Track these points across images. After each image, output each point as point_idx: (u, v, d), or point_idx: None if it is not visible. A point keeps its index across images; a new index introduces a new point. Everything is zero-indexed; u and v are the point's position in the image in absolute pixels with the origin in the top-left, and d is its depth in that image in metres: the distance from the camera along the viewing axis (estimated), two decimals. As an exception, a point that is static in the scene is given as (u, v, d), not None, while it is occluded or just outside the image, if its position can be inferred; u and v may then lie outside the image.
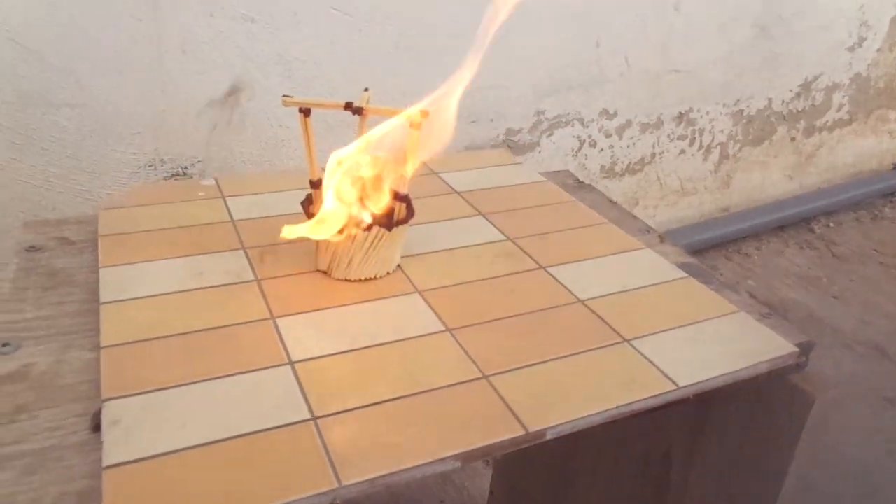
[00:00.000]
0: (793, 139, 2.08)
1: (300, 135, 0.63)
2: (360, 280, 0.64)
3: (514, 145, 1.56)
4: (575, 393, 0.53)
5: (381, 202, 0.62)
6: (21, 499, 0.43)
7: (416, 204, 0.65)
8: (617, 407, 0.52)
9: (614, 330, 0.60)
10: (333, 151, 0.69)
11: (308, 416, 0.48)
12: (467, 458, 0.47)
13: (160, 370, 0.51)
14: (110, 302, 0.58)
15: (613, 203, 0.86)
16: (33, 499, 0.43)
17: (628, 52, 1.62)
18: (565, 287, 0.66)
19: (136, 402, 0.48)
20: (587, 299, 0.64)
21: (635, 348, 0.58)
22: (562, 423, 0.50)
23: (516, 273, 0.68)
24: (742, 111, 1.89)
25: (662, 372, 0.55)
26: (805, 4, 1.85)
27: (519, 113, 1.54)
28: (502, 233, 0.74)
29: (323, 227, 0.61)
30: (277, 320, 0.58)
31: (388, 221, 0.63)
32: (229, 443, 0.46)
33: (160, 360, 0.52)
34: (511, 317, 0.61)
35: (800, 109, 2.04)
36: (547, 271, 0.68)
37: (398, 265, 0.67)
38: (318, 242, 0.63)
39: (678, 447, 0.72)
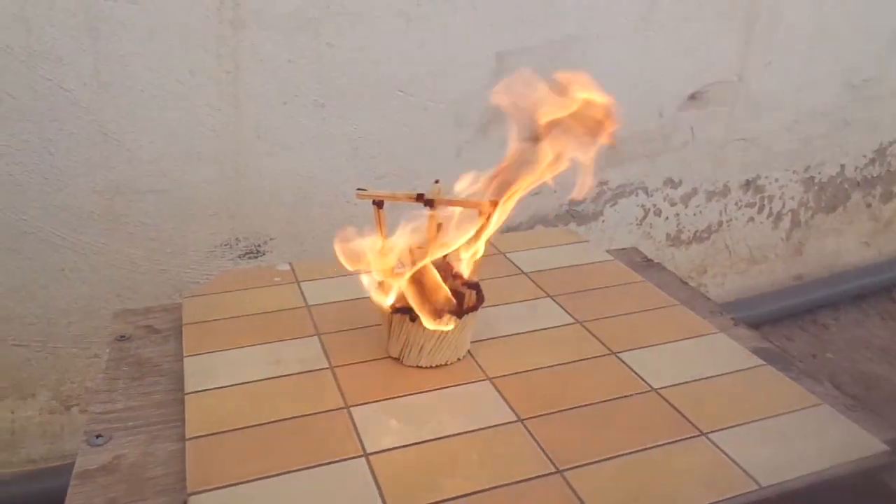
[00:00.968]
0: (868, 205, 2.02)
1: (369, 211, 0.65)
2: (432, 367, 0.65)
3: (577, 215, 1.56)
4: (654, 492, 0.52)
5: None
6: None
7: (483, 285, 0.66)
8: (698, 507, 0.50)
9: (690, 422, 0.59)
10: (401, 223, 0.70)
11: (384, 513, 0.48)
12: (544, 559, 0.46)
13: (241, 463, 0.52)
14: (194, 392, 0.60)
15: (684, 283, 0.85)
16: None
17: (693, 122, 1.62)
18: (637, 374, 0.65)
19: (217, 497, 0.49)
20: (660, 388, 0.63)
21: (713, 443, 0.56)
22: (640, 524, 0.49)
23: (586, 359, 0.67)
24: (813, 178, 1.86)
25: (744, 470, 0.53)
26: (877, 70, 1.83)
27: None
28: (571, 315, 0.74)
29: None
30: (351, 409, 0.59)
31: (458, 309, 0.64)
32: (308, 540, 0.46)
33: (241, 453, 0.53)
34: (583, 406, 0.60)
35: (875, 175, 1.98)
36: (618, 357, 0.68)
37: (468, 350, 0.67)
38: (389, 329, 0.65)
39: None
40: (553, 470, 0.53)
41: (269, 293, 0.76)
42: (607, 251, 0.89)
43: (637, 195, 1.62)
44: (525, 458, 0.54)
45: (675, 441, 0.56)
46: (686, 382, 0.64)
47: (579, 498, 0.51)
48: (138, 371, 0.65)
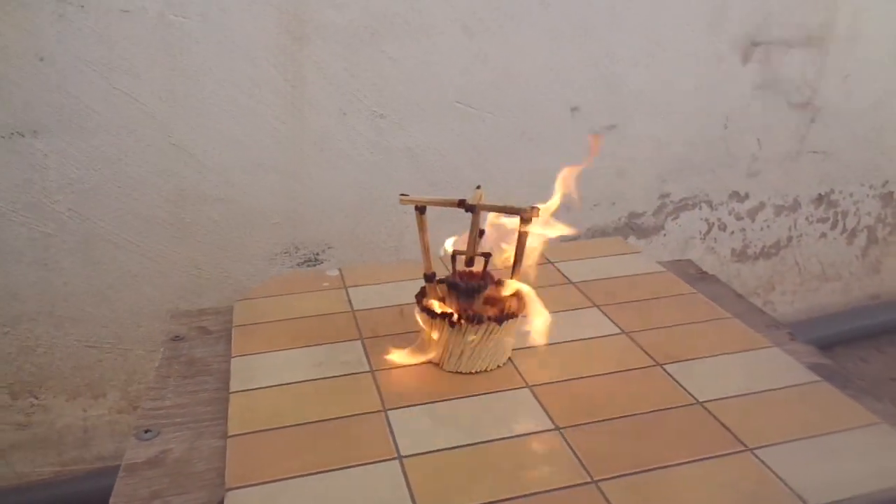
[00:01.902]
0: (952, 221, 1.90)
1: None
2: (471, 373, 0.65)
3: (637, 228, 1.54)
4: (691, 505, 0.50)
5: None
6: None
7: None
8: (740, 525, 0.49)
9: (736, 437, 0.56)
10: (447, 240, 0.72)
11: (413, 515, 0.49)
12: (573, 569, 0.45)
13: (278, 461, 0.54)
14: (238, 391, 0.62)
15: (739, 296, 0.82)
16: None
17: (760, 133, 1.57)
18: (682, 387, 0.63)
19: (254, 493, 0.51)
20: (706, 401, 0.61)
21: (759, 458, 0.54)
22: (676, 538, 0.47)
23: (630, 370, 0.66)
24: (892, 193, 1.77)
25: (790, 488, 0.51)
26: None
27: (642, 196, 1.52)
28: (617, 326, 0.73)
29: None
30: (389, 413, 0.59)
31: (499, 315, 0.63)
32: (337, 538, 0.47)
33: (279, 451, 0.55)
34: (623, 417, 0.59)
35: (959, 189, 1.87)
36: (663, 369, 0.66)
37: (510, 358, 0.67)
38: (430, 334, 0.65)
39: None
40: (588, 480, 0.52)
41: (317, 297, 0.78)
42: (659, 262, 0.87)
43: (700, 208, 1.58)
44: (560, 466, 0.53)
45: (719, 456, 0.55)
46: (734, 396, 0.62)
47: (613, 509, 0.49)
48: (189, 370, 0.67)
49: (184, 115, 1.18)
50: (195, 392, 0.64)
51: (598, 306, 0.77)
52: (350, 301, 0.77)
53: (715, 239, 1.62)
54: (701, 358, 0.67)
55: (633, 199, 1.51)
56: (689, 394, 0.62)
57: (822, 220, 1.72)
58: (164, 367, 0.67)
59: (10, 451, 1.26)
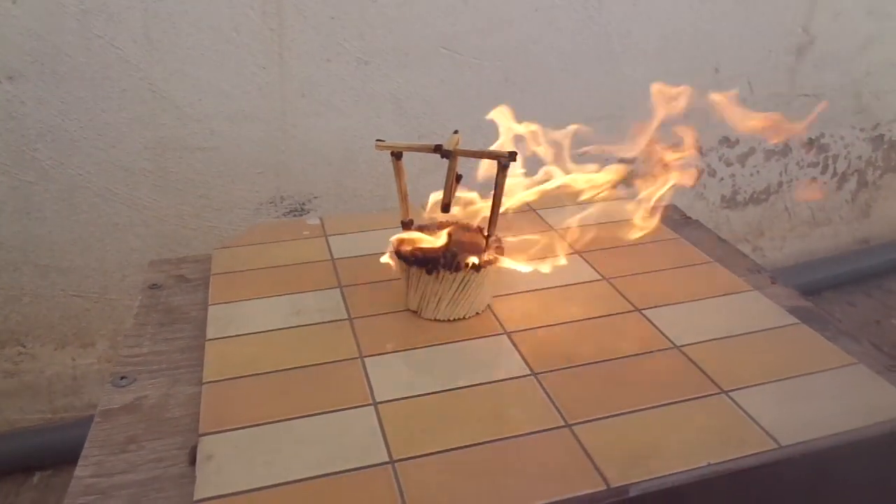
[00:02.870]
0: (945, 164, 1.89)
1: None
2: (449, 320, 0.65)
3: (627, 175, 1.52)
4: (664, 448, 0.50)
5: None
6: (123, 526, 0.46)
7: (509, 242, 0.65)
8: (709, 465, 0.49)
9: (712, 380, 0.57)
10: (432, 193, 0.71)
11: (387, 460, 0.49)
12: (544, 511, 0.46)
13: (253, 407, 0.54)
14: (215, 339, 0.62)
15: (722, 241, 0.82)
16: (134, 526, 0.46)
17: (751, 77, 1.54)
18: (661, 331, 0.63)
19: (228, 438, 0.51)
20: (683, 345, 0.61)
21: (734, 401, 0.54)
22: (647, 480, 0.48)
23: (609, 315, 0.66)
24: (883, 136, 1.75)
25: (763, 428, 0.52)
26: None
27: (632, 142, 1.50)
28: (597, 272, 0.73)
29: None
30: (365, 359, 0.59)
31: (477, 264, 0.63)
32: (311, 483, 0.47)
33: (254, 397, 0.55)
34: (600, 362, 0.59)
35: (952, 132, 1.85)
36: (642, 313, 0.66)
37: (489, 305, 0.67)
38: (408, 282, 0.65)
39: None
40: (562, 424, 0.52)
41: (297, 246, 0.77)
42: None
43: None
44: (534, 411, 0.54)
45: (693, 398, 0.55)
46: (712, 340, 0.62)
47: (586, 452, 0.50)
48: (167, 318, 0.67)
49: (161, 60, 1.15)
50: (172, 339, 0.64)
51: (578, 253, 0.76)
52: (330, 249, 0.77)
53: (704, 185, 1.61)
54: (680, 303, 0.67)
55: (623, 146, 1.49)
56: (667, 338, 0.62)
57: (813, 165, 1.71)
58: (142, 315, 0.67)
59: (-1, 398, 1.27)
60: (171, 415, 0.55)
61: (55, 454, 1.25)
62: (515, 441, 0.51)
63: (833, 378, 0.57)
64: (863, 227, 1.84)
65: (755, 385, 0.56)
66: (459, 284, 0.63)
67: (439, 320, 0.64)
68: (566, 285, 0.70)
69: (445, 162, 0.64)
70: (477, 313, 0.66)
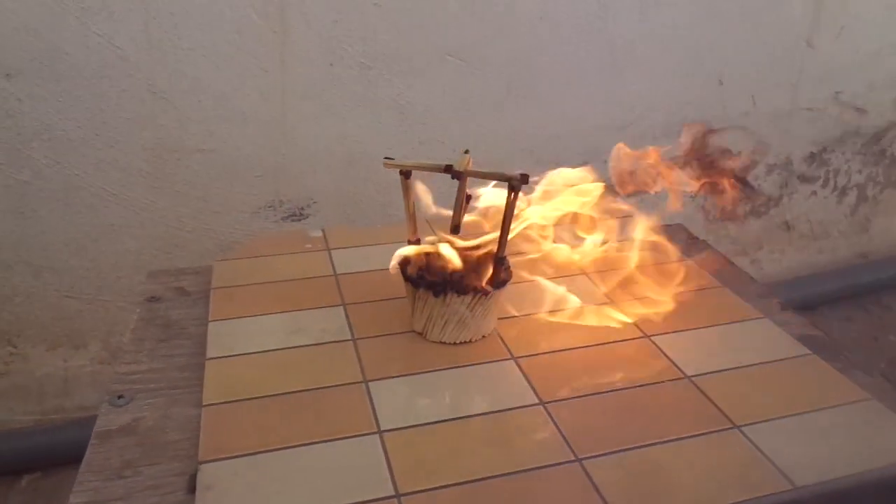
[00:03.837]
0: (945, 180, 1.89)
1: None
2: (455, 343, 0.63)
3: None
4: (676, 486, 0.49)
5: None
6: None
7: (515, 260, 0.64)
8: (723, 505, 0.48)
9: (724, 414, 0.56)
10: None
11: (392, 493, 0.48)
12: (554, 550, 0.45)
13: (254, 433, 0.52)
14: (215, 358, 0.60)
15: (731, 263, 0.81)
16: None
17: (755, 90, 1.53)
18: (670, 360, 0.62)
19: (229, 467, 0.49)
20: (694, 375, 0.60)
21: (747, 437, 0.53)
22: (658, 520, 0.47)
23: (618, 341, 0.65)
24: (884, 151, 1.75)
25: (777, 468, 0.50)
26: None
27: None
28: (606, 295, 0.72)
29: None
30: (370, 384, 0.58)
31: (485, 286, 0.62)
32: (314, 516, 0.46)
33: (255, 422, 0.53)
34: (609, 392, 0.58)
35: (953, 149, 1.85)
36: (651, 340, 0.65)
37: (495, 329, 0.66)
38: (414, 304, 0.63)
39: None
40: (572, 458, 0.51)
41: (299, 259, 0.76)
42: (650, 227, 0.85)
43: (692, 165, 1.56)
44: (543, 443, 0.52)
45: (706, 433, 0.54)
46: (723, 370, 0.61)
47: (597, 489, 0.49)
48: (165, 333, 0.65)
49: (162, 60, 1.13)
50: (171, 356, 0.62)
51: (586, 274, 0.75)
52: (333, 264, 0.75)
53: (706, 197, 1.60)
54: (690, 330, 0.66)
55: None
56: (678, 367, 0.61)
57: (814, 179, 1.70)
58: (140, 330, 0.65)
59: (-11, 399, 1.25)
60: (168, 438, 0.53)
61: (44, 457, 1.23)
62: (525, 476, 0.49)
63: (847, 414, 0.56)
64: (862, 242, 1.83)
65: (768, 420, 0.55)
66: (467, 308, 0.61)
67: (445, 343, 0.63)
68: (573, 308, 0.69)
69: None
70: (483, 336, 0.64)
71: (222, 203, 1.24)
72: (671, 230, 0.86)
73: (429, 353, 0.62)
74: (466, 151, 0.63)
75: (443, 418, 0.54)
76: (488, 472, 0.49)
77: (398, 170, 0.61)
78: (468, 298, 0.61)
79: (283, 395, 0.56)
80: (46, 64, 1.07)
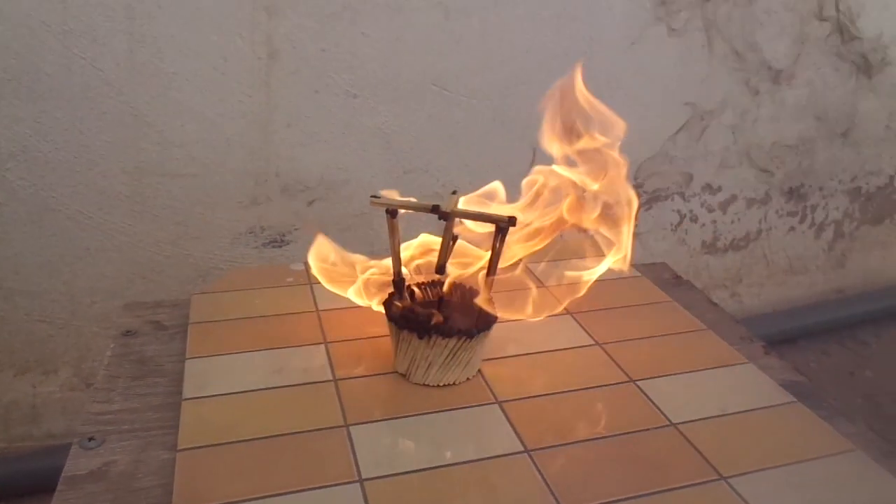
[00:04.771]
0: (918, 218, 1.93)
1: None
2: (439, 385, 0.62)
3: (608, 220, 1.52)
4: (661, 539, 0.48)
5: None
6: None
7: (499, 297, 0.63)
8: (710, 563, 0.47)
9: (710, 464, 0.55)
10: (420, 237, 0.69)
11: (373, 548, 0.46)
12: None
13: (231, 480, 0.51)
14: (191, 398, 0.59)
15: (714, 305, 0.81)
16: None
17: (734, 126, 1.56)
18: (656, 406, 0.61)
19: (204, 517, 0.48)
20: (680, 423, 0.59)
21: (734, 489, 0.53)
22: (645, 577, 0.46)
23: (603, 386, 0.64)
24: (860, 188, 1.78)
25: (763, 523, 0.50)
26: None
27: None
28: (591, 336, 0.71)
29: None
30: (351, 428, 0.57)
31: (469, 329, 0.61)
32: (291, 571, 0.44)
33: (232, 469, 0.52)
34: (595, 439, 0.57)
35: (927, 187, 1.89)
36: (637, 385, 0.64)
37: (479, 370, 0.65)
38: (398, 345, 0.62)
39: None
40: (557, 510, 0.50)
41: (279, 294, 0.74)
42: (634, 266, 0.85)
43: (673, 199, 1.57)
44: (529, 494, 0.51)
45: (692, 485, 0.53)
46: (709, 418, 0.60)
47: (582, 542, 0.48)
48: (140, 370, 0.63)
49: (145, 84, 1.12)
50: (145, 396, 0.60)
51: (571, 314, 0.74)
52: (315, 300, 0.74)
53: (686, 231, 1.62)
54: (675, 374, 0.66)
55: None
56: (663, 414, 0.60)
57: (792, 214, 1.72)
58: (114, 366, 0.64)
59: (-47, 426, 1.21)
60: (140, 485, 0.51)
61: (10, 486, 1.20)
62: (509, 530, 0.48)
63: (832, 466, 0.56)
64: (838, 277, 1.86)
65: (754, 471, 0.54)
66: (451, 350, 0.60)
67: (429, 385, 0.62)
68: (557, 350, 0.69)
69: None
70: (468, 378, 0.63)
71: (202, 228, 1.23)
72: (655, 269, 0.87)
73: (412, 396, 0.61)
74: (454, 192, 0.62)
75: (425, 466, 0.53)
76: (472, 526, 0.48)
77: (384, 208, 0.60)
78: (453, 342, 0.60)
79: (261, 440, 0.55)
80: (24, 84, 1.06)
